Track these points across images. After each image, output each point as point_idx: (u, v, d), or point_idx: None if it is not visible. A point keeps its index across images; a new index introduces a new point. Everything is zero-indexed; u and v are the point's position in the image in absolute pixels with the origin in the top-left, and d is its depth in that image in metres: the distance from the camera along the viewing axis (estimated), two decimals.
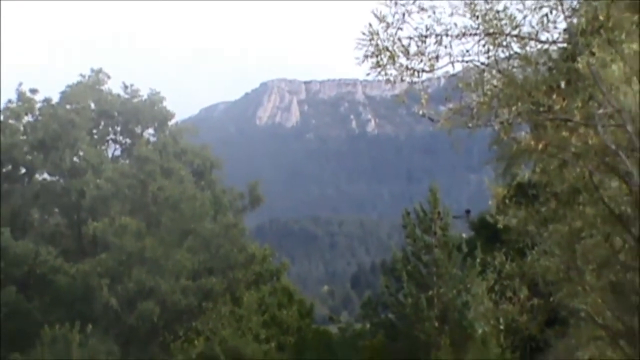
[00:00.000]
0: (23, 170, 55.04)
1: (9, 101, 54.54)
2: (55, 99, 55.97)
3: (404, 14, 12.29)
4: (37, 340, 43.15)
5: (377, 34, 12.32)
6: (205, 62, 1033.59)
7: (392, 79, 12.56)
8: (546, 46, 12.83)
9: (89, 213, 52.02)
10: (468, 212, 45.49)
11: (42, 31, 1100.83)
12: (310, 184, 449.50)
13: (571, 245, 17.14)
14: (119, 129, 58.29)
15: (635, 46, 12.48)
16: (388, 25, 12.32)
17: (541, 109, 12.69)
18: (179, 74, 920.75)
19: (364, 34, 12.34)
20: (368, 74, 12.68)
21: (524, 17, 12.44)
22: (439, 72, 12.72)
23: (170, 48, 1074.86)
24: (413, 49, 12.45)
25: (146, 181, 51.97)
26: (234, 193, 56.97)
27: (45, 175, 55.41)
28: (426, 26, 12.34)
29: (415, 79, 12.60)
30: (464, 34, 12.42)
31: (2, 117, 54.30)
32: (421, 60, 12.46)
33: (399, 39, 12.38)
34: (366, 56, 12.42)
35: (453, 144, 13.17)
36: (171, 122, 59.05)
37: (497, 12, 12.43)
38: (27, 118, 55.04)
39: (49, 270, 48.79)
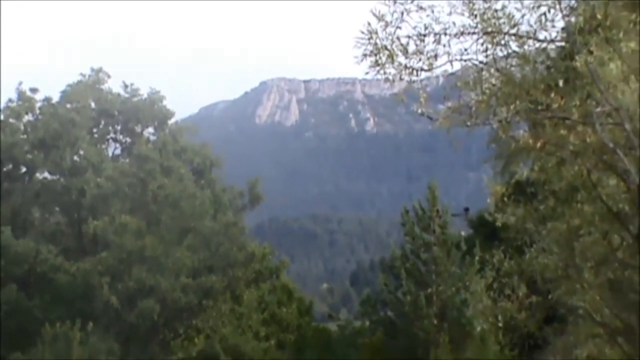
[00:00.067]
0: (23, 169, 55.06)
1: (10, 100, 54.62)
2: (55, 98, 56.11)
3: (402, 13, 12.26)
4: (38, 339, 43.22)
5: (376, 32, 12.29)
6: (205, 62, 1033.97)
7: (390, 77, 12.52)
8: (544, 45, 12.80)
9: (89, 212, 52.08)
10: (467, 210, 45.51)
11: (42, 31, 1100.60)
12: (309, 182, 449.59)
13: (569, 242, 17.11)
14: (119, 127, 58.33)
15: (633, 45, 12.47)
16: (387, 24, 12.29)
17: (539, 107, 12.66)
18: (178, 73, 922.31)
19: (362, 32, 12.32)
20: (367, 73, 12.65)
21: (522, 16, 12.40)
22: (437, 71, 12.70)
23: (170, 47, 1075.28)
24: (412, 47, 12.43)
25: (146, 180, 52.03)
26: (234, 191, 57.05)
27: (46, 174, 55.47)
28: (425, 25, 12.32)
29: (414, 78, 12.58)
30: (462, 33, 12.40)
31: (2, 116, 54.35)
32: (420, 59, 12.44)
33: (398, 38, 12.36)
34: (365, 55, 12.40)
35: (452, 142, 13.13)
36: (171, 121, 59.14)
37: (496, 11, 12.40)
38: (28, 117, 55.08)
39: (49, 268, 48.85)
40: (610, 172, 14.51)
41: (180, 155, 56.49)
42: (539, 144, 13.62)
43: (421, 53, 12.45)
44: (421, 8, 12.31)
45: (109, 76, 57.82)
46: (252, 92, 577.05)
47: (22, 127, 54.82)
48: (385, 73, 12.55)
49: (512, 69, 12.97)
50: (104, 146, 58.12)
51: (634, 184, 13.48)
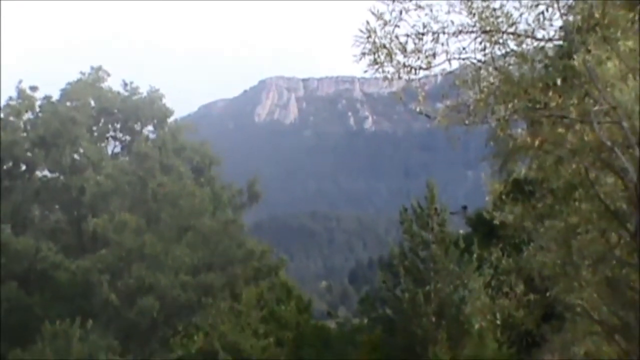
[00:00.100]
0: (24, 167, 55.15)
1: (10, 98, 54.69)
2: (55, 96, 56.19)
3: (401, 12, 12.29)
4: (38, 336, 43.34)
5: (375, 31, 12.32)
6: (204, 60, 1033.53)
7: (389, 76, 12.55)
8: (542, 44, 12.86)
9: (89, 209, 52.18)
10: (465, 208, 45.54)
11: (43, 31, 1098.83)
12: (308, 180, 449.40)
13: (567, 240, 17.15)
14: (118, 126, 58.41)
15: (630, 43, 12.48)
16: (385, 23, 12.32)
17: (537, 105, 12.69)
18: (178, 72, 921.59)
19: (361, 31, 12.36)
20: (366, 72, 12.68)
21: (520, 15, 12.45)
22: (436, 70, 12.72)
23: (170, 47, 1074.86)
24: (410, 46, 12.47)
25: (146, 178, 52.13)
26: (233, 189, 57.13)
27: (46, 172, 55.62)
28: (423, 24, 12.37)
29: (412, 76, 12.63)
30: (460, 32, 12.43)
31: (2, 115, 54.40)
32: (418, 58, 12.48)
33: (397, 37, 12.39)
34: (364, 54, 12.43)
35: (450, 140, 13.17)
36: (170, 119, 59.28)
37: (494, 10, 12.44)
38: (28, 115, 55.15)
39: (49, 266, 48.95)
40: (608, 170, 14.55)
41: (179, 153, 56.59)
42: (537, 143, 13.65)
43: (420, 52, 12.49)
44: (420, 7, 12.35)
45: (108, 75, 58.02)
46: (251, 90, 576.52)
47: (22, 125, 54.89)
48: (384, 71, 12.59)
49: (510, 67, 12.98)
50: (103, 144, 58.20)
51: (632, 182, 13.50)
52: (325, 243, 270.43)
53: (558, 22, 12.68)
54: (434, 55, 12.52)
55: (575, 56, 12.40)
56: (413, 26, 12.41)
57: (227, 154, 70.52)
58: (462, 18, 12.48)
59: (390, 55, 12.42)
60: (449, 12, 12.44)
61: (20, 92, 54.91)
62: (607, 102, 12.62)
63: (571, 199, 16.20)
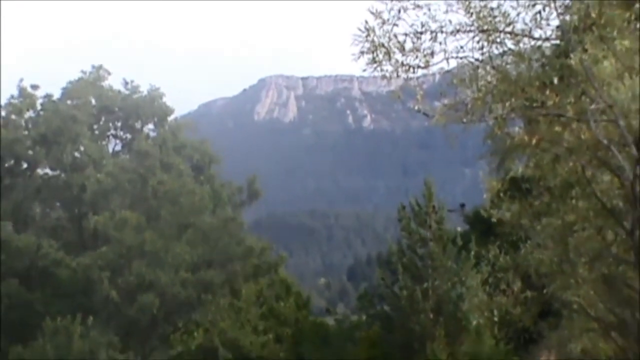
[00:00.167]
0: (25, 165, 55.11)
1: (11, 97, 54.78)
2: (56, 95, 56.26)
3: (399, 11, 12.35)
4: (39, 332, 43.44)
5: (373, 30, 12.38)
6: (204, 59, 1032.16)
7: (387, 75, 12.63)
8: (539, 43, 12.93)
9: (89, 207, 52.23)
10: (463, 205, 45.66)
11: (43, 31, 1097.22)
12: (307, 178, 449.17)
13: (564, 238, 17.18)
14: (119, 124, 58.39)
15: (627, 42, 12.52)
16: (384, 22, 12.38)
17: (534, 104, 12.74)
18: (178, 71, 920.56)
19: (360, 30, 12.42)
20: (364, 70, 12.76)
21: (518, 15, 12.51)
22: (434, 68, 12.79)
23: (170, 46, 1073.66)
24: (408, 45, 12.53)
25: (146, 176, 52.18)
26: (233, 187, 57.17)
27: (47, 170, 55.53)
28: (421, 23, 12.43)
29: (410, 75, 12.70)
30: (458, 31, 12.48)
31: (4, 113, 54.47)
32: (416, 57, 12.54)
33: (395, 36, 12.46)
34: (362, 52, 12.50)
35: (448, 138, 13.20)
36: (171, 118, 59.19)
37: (491, 9, 12.49)
38: (29, 113, 55.15)
39: (50, 263, 48.98)
40: (604, 168, 14.61)
41: (179, 151, 56.63)
42: (534, 141, 13.72)
43: (418, 50, 12.55)
44: (418, 6, 12.41)
45: (109, 73, 57.95)
46: (251, 89, 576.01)
47: (23, 124, 54.89)
48: (382, 70, 12.65)
49: (508, 66, 13.03)
50: (104, 142, 58.19)
51: (628, 180, 13.57)
52: (324, 240, 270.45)
53: (555, 22, 12.76)
54: (432, 54, 12.58)
55: (572, 55, 12.47)
56: (411, 25, 12.49)
57: (227, 152, 70.58)
58: (459, 17, 12.56)
59: (388, 54, 12.48)
60: (447, 12, 12.51)
61: (22, 91, 54.95)
62: (603, 101, 12.66)
63: (568, 196, 16.23)
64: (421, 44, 12.53)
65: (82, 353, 43.12)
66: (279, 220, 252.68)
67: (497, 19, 12.54)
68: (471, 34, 12.58)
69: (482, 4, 12.55)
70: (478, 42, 12.64)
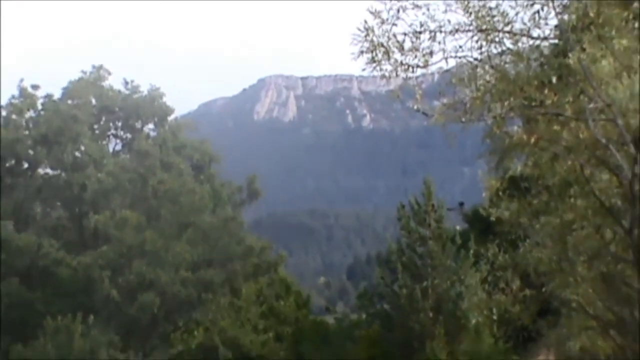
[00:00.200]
0: (26, 165, 55.28)
1: (12, 97, 54.90)
2: (56, 95, 56.37)
3: (398, 11, 12.34)
4: (40, 331, 43.53)
5: (372, 30, 12.36)
6: (203, 59, 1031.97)
7: (387, 74, 12.62)
8: (538, 42, 12.92)
9: (90, 206, 52.35)
10: (462, 204, 45.75)
11: (43, 30, 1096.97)
12: (307, 177, 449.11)
13: (563, 237, 17.11)
14: (119, 124, 58.52)
15: (625, 42, 12.45)
16: (383, 22, 12.36)
17: (533, 103, 12.69)
18: (178, 72, 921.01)
19: (359, 30, 12.41)
20: (363, 70, 12.74)
21: (516, 14, 12.51)
22: (433, 68, 12.76)
23: (170, 46, 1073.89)
24: (407, 44, 12.51)
25: (146, 175, 52.30)
26: (233, 187, 57.27)
27: (48, 170, 55.74)
28: (420, 22, 12.41)
29: (409, 75, 12.68)
30: (457, 30, 12.46)
31: (4, 113, 54.57)
32: (415, 56, 12.52)
33: (394, 35, 12.43)
34: (361, 52, 12.49)
35: (447, 138, 13.17)
36: (171, 117, 59.38)
37: (490, 9, 12.48)
38: (30, 113, 55.27)
39: (51, 262, 49.10)
40: (602, 167, 14.53)
41: (179, 151, 56.75)
42: (532, 140, 13.67)
43: (417, 50, 12.54)
44: (417, 6, 12.39)
45: (109, 73, 58.13)
46: (251, 88, 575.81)
47: (24, 123, 55.01)
48: (381, 70, 12.63)
49: (506, 65, 13.01)
50: (104, 142, 58.33)
51: (626, 179, 13.47)
52: (323, 240, 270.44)
53: (553, 21, 12.76)
54: (431, 53, 12.57)
55: (570, 54, 12.43)
56: (410, 25, 12.48)
57: (227, 151, 70.64)
58: (458, 17, 12.53)
59: (387, 53, 12.48)
60: (445, 11, 12.49)
61: (22, 91, 55.06)
62: (602, 100, 12.59)
63: (566, 195, 16.18)
64: (420, 43, 12.53)
65: (82, 352, 43.20)
66: (278, 219, 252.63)
67: (495, 19, 12.53)
68: (470, 34, 12.57)
69: (481, 3, 12.53)
70: (477, 41, 12.62)
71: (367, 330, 36.28)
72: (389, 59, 12.54)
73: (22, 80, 55.60)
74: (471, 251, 32.69)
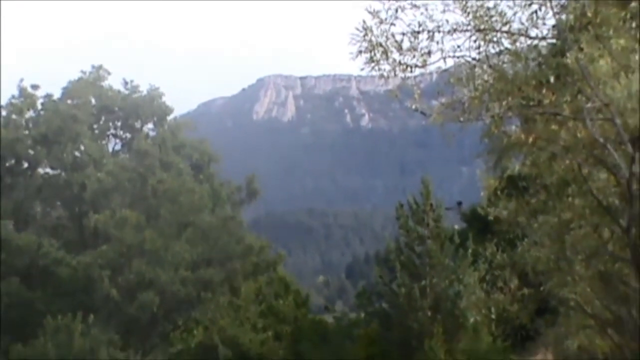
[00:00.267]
0: (26, 165, 55.34)
1: (12, 97, 54.95)
2: (56, 95, 56.42)
3: (396, 10, 12.37)
4: (40, 330, 43.58)
5: (371, 30, 12.38)
6: (203, 59, 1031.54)
7: (385, 74, 12.63)
8: (536, 42, 12.94)
9: (90, 206, 52.41)
10: (460, 204, 45.78)
11: (44, 30, 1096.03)
12: (305, 177, 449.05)
13: (561, 236, 17.09)
14: (119, 123, 58.59)
15: (622, 42, 12.47)
16: (381, 22, 12.38)
17: (531, 103, 12.71)
18: (178, 71, 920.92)
19: (357, 30, 12.43)
20: (362, 69, 12.79)
21: (514, 14, 12.51)
22: (431, 68, 12.77)
23: (169, 46, 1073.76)
24: (406, 44, 12.53)
25: (146, 175, 52.36)
26: (232, 186, 57.34)
27: (48, 169, 55.82)
28: (419, 22, 12.44)
29: (408, 74, 12.70)
30: (455, 30, 12.47)
31: (4, 113, 54.62)
32: (414, 56, 12.54)
33: (392, 35, 12.45)
34: (360, 52, 12.51)
35: (445, 137, 13.22)
36: (170, 117, 59.45)
37: (488, 9, 12.49)
38: (30, 113, 55.32)
39: (51, 261, 49.15)
40: (600, 166, 14.54)
41: (179, 150, 56.81)
42: (530, 139, 13.70)
43: (415, 50, 12.55)
44: (415, 6, 12.41)
45: (109, 73, 58.20)
46: (250, 88, 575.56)
47: (24, 123, 55.06)
48: (379, 69, 12.64)
49: (504, 65, 13.03)
50: (104, 142, 58.40)
51: (624, 178, 13.47)
52: (322, 239, 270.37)
53: (551, 21, 12.77)
54: (429, 53, 12.58)
55: (568, 54, 12.45)
56: (409, 25, 12.49)
57: (226, 151, 70.71)
58: (456, 17, 12.55)
59: (386, 53, 12.50)
60: (444, 11, 12.52)
61: (22, 91, 55.11)
62: (599, 100, 12.59)
63: (564, 194, 16.18)
64: (418, 43, 12.55)
65: (82, 351, 43.25)
66: (277, 218, 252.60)
67: (493, 19, 12.54)
68: (468, 34, 12.58)
69: (479, 3, 12.53)
70: (475, 41, 12.63)
71: (365, 329, 36.29)
72: (387, 58, 12.57)
73: (22, 80, 55.74)
74: (469, 250, 32.71)
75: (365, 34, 12.49)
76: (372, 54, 12.55)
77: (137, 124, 58.50)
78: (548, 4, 12.62)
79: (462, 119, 12.94)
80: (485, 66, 12.94)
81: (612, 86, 12.96)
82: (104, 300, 47.51)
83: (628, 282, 16.56)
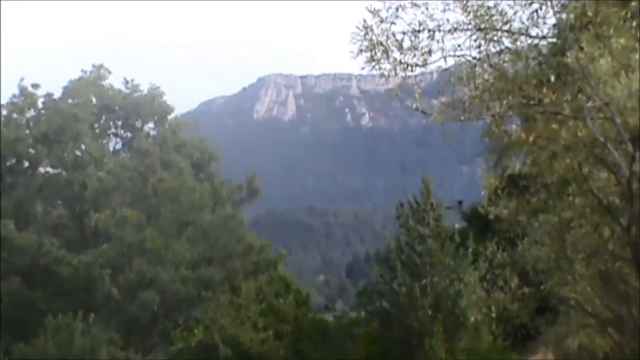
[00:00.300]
0: (26, 164, 55.29)
1: (13, 96, 54.96)
2: (57, 94, 56.42)
3: (397, 9, 12.41)
4: (41, 329, 43.55)
5: (371, 29, 12.42)
6: (204, 59, 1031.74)
7: (386, 73, 12.67)
8: (536, 41, 12.97)
9: (91, 205, 52.41)
10: (460, 203, 45.79)
11: (43, 31, 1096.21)
12: (306, 176, 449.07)
13: (561, 235, 17.09)
14: (120, 123, 58.56)
15: (623, 41, 12.52)
16: (382, 21, 12.42)
17: (531, 102, 12.75)
18: (178, 71, 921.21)
19: (358, 28, 12.47)
20: (362, 68, 12.82)
21: (515, 13, 12.56)
22: (431, 67, 12.81)
23: (170, 45, 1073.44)
24: (406, 43, 12.57)
25: (146, 174, 52.36)
26: (232, 185, 57.34)
27: (49, 168, 55.75)
28: (419, 21, 12.47)
29: (408, 73, 12.74)
30: (455, 29, 12.51)
31: (5, 112, 54.61)
32: (414, 55, 12.58)
33: (393, 34, 12.49)
34: (360, 50, 12.56)
35: (446, 136, 13.24)
36: (171, 116, 59.40)
37: (488, 8, 12.53)
38: (30, 112, 55.31)
39: (52, 261, 49.15)
40: (600, 165, 14.55)
41: (179, 149, 56.82)
42: (531, 138, 13.72)
43: (415, 49, 12.59)
44: (416, 5, 12.46)
45: (109, 72, 58.15)
46: (250, 87, 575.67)
47: (24, 122, 55.03)
48: (380, 68, 12.69)
49: (505, 64, 13.06)
50: (105, 141, 58.38)
51: (624, 177, 13.50)
52: (322, 238, 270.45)
53: (551, 20, 12.80)
54: (429, 52, 12.62)
55: (568, 53, 12.48)
56: (409, 24, 12.54)
57: (227, 150, 70.62)
58: (457, 16, 12.59)
59: (386, 52, 12.53)
60: (444, 10, 12.56)
61: (23, 90, 55.11)
62: (600, 99, 12.62)
63: (565, 193, 16.18)
64: (419, 42, 12.57)
65: (83, 350, 43.26)
66: (278, 217, 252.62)
67: (494, 18, 12.57)
68: (468, 33, 12.62)
69: (479, 2, 12.56)
70: (475, 40, 12.66)
71: (366, 328, 36.29)
72: (387, 57, 12.59)
73: (22, 79, 55.70)
74: (470, 249, 32.71)
75: (366, 33, 12.51)
76: (373, 53, 12.57)
77: (138, 123, 58.49)
78: (548, 3, 12.65)
79: (462, 118, 12.97)
80: (485, 65, 12.97)
81: (613, 85, 13.00)
82: (105, 299, 47.52)
83: (628, 281, 16.56)
